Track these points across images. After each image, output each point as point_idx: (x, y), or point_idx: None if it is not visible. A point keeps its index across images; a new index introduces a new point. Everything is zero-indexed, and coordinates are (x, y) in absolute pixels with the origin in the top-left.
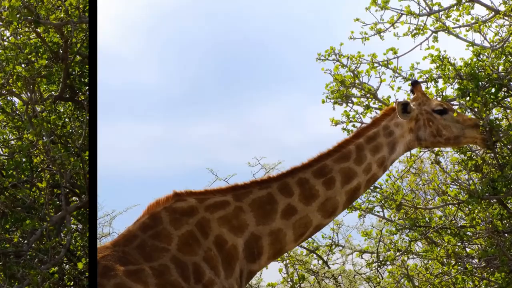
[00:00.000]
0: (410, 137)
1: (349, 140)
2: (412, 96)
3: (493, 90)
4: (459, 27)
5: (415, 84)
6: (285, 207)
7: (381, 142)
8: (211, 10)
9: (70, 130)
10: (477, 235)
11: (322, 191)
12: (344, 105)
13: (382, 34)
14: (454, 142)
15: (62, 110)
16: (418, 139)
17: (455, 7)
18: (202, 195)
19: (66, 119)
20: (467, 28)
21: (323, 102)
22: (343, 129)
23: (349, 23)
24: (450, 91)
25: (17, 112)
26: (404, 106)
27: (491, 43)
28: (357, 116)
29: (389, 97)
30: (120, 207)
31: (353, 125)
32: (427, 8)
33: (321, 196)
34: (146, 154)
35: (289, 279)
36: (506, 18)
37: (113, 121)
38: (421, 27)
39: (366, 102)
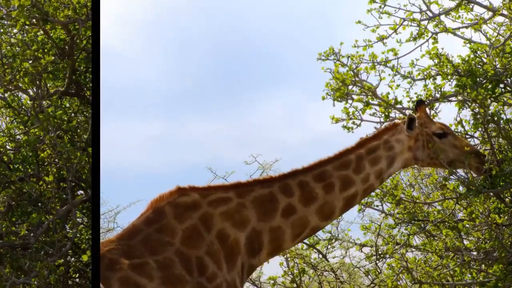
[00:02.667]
0: (408, 155)
1: (350, 150)
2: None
3: (490, 86)
4: (459, 28)
5: (419, 104)
6: (286, 206)
7: (381, 155)
8: (211, 10)
9: (76, 125)
10: (475, 228)
11: (321, 195)
12: (344, 102)
13: (385, 40)
14: (449, 166)
15: (68, 105)
16: (415, 158)
17: (454, 9)
18: (205, 191)
19: (72, 114)
20: (467, 26)
21: (323, 98)
22: (343, 126)
23: (349, 23)
24: (448, 88)
25: (24, 107)
26: (411, 121)
27: (490, 41)
28: (356, 113)
29: (388, 93)
30: (124, 203)
31: (353, 122)
32: (428, 12)
33: (319, 199)
34: (147, 151)
35: (289, 273)
36: (505, 15)
37: (114, 118)
38: (423, 31)
39: (366, 99)
